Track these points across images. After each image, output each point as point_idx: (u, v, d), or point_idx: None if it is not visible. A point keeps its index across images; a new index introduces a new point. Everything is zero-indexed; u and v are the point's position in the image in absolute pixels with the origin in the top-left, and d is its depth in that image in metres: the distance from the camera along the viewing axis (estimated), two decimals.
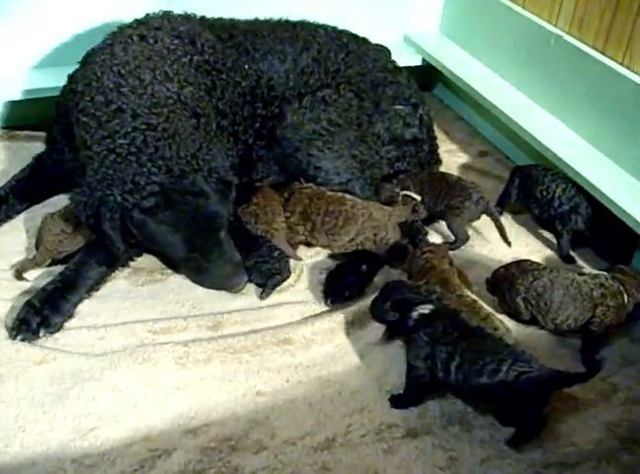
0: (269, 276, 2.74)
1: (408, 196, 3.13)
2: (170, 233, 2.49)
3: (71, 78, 2.83)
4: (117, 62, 2.65)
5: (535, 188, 3.11)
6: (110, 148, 2.48)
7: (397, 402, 2.36)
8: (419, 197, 3.12)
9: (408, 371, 2.34)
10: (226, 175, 2.63)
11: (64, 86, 2.89)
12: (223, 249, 2.64)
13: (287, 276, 2.80)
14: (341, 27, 3.44)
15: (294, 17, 3.37)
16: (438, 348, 2.24)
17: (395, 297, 2.41)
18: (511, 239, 3.09)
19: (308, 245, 2.99)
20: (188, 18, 3.05)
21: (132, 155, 2.45)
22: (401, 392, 2.37)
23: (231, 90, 2.97)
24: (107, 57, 2.69)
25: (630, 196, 2.84)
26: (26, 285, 2.72)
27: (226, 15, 3.27)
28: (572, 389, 2.40)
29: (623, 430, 2.32)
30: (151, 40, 2.78)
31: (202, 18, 3.13)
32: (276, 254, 2.79)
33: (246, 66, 3.04)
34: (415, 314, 2.34)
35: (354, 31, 3.46)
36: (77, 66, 2.84)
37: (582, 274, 2.68)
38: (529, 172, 3.17)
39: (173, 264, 2.80)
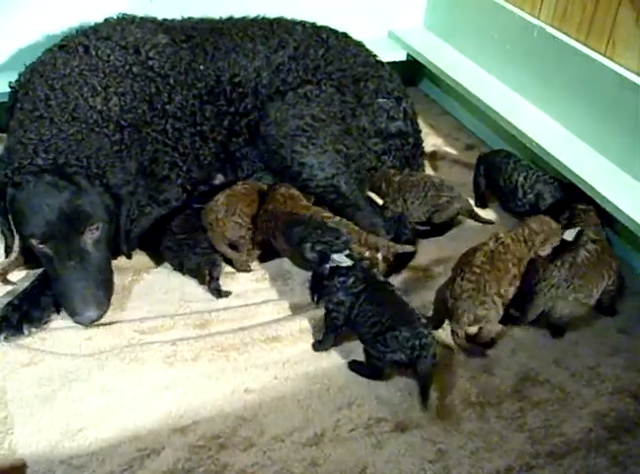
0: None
1: None
2: (31, 211, 2.46)
3: (19, 76, 2.91)
4: (53, 76, 2.77)
5: (499, 177, 3.17)
6: (18, 140, 2.58)
7: (318, 346, 2.53)
8: (381, 202, 3.16)
9: (325, 314, 2.50)
10: (118, 190, 2.62)
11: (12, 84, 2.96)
12: (83, 263, 2.51)
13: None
14: (324, 23, 3.44)
15: (278, 14, 3.39)
16: (346, 296, 2.42)
17: (317, 239, 2.54)
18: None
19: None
20: (143, 23, 3.11)
21: (32, 144, 2.54)
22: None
23: (183, 93, 3.00)
24: (48, 69, 2.81)
25: (615, 185, 2.85)
26: (12, 287, 2.73)
27: (209, 13, 3.30)
28: (559, 380, 2.43)
29: (611, 419, 2.33)
30: (93, 52, 2.88)
31: (162, 21, 3.18)
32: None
33: (201, 67, 3.06)
34: (332, 263, 2.50)
35: (338, 27, 3.46)
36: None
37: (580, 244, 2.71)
38: (493, 160, 3.23)
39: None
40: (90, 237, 2.53)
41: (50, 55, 2.88)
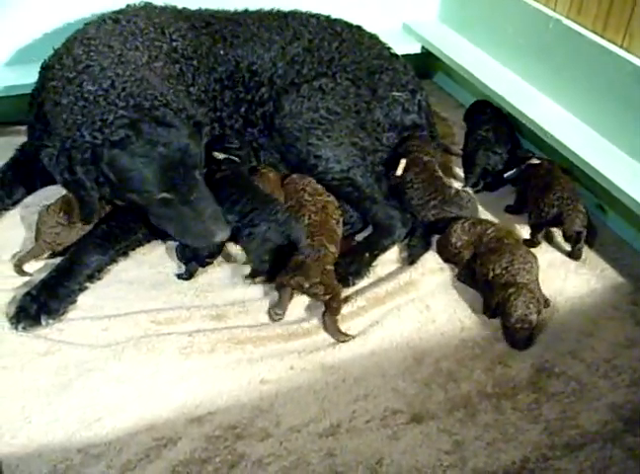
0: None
1: None
2: (144, 165, 2.45)
3: (45, 61, 2.90)
4: (87, 37, 2.77)
5: None
6: (78, 96, 2.54)
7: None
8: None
9: None
10: (197, 115, 2.65)
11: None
12: (201, 191, 2.59)
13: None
14: (339, 16, 3.44)
15: (292, 7, 3.39)
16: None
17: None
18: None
19: None
20: (165, 9, 3.13)
21: (100, 96, 2.50)
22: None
23: (205, 76, 3.02)
24: (78, 35, 2.81)
25: (632, 178, 2.83)
26: (29, 278, 2.72)
27: (225, 6, 3.31)
28: (575, 372, 2.44)
29: (628, 411, 2.33)
30: (124, 22, 2.89)
31: (181, 9, 3.19)
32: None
33: (221, 52, 3.08)
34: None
35: (352, 20, 3.45)
36: None
37: None
38: None
39: (150, 216, 2.68)
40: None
41: (74, 33, 2.87)
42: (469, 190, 3.21)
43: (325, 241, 2.73)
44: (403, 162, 3.08)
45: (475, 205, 3.05)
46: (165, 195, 2.53)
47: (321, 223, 2.80)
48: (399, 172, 3.06)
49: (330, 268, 2.67)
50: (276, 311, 2.58)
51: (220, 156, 2.96)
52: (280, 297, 2.61)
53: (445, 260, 2.86)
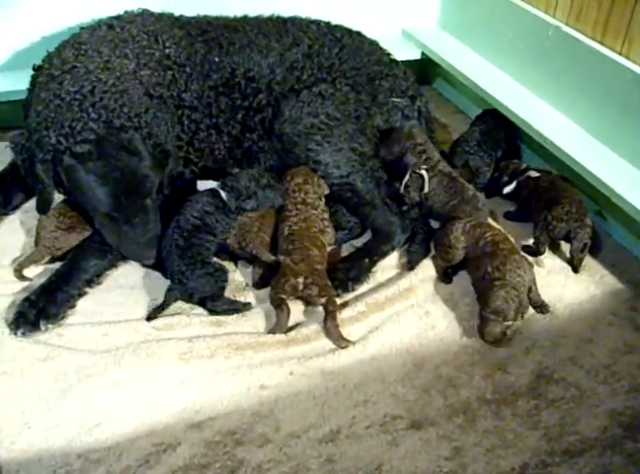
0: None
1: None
2: (97, 185, 2.48)
3: (37, 65, 2.92)
4: (79, 41, 2.79)
5: None
6: (56, 94, 2.55)
7: None
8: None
9: None
10: (166, 144, 2.66)
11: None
12: (146, 217, 2.63)
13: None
14: (339, 22, 3.45)
15: (292, 13, 3.40)
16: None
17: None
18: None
19: None
20: (161, 16, 3.13)
21: (76, 101, 2.51)
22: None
23: (198, 83, 3.01)
24: (71, 39, 2.83)
25: (632, 185, 2.83)
26: (29, 282, 2.73)
27: (224, 12, 3.32)
28: (574, 378, 2.44)
29: (627, 417, 2.33)
30: (118, 29, 2.89)
31: (178, 17, 3.20)
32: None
33: (216, 59, 3.07)
34: None
35: (352, 26, 3.46)
36: None
37: None
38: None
39: (94, 218, 2.71)
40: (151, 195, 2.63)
41: (67, 38, 2.88)
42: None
43: (307, 243, 2.73)
44: (427, 177, 3.05)
45: (487, 211, 3.06)
46: (111, 213, 2.57)
47: (301, 231, 2.80)
48: (426, 189, 3.05)
49: (320, 267, 2.67)
50: (276, 333, 2.58)
51: (204, 186, 2.89)
52: (277, 317, 2.58)
53: (440, 258, 2.85)
